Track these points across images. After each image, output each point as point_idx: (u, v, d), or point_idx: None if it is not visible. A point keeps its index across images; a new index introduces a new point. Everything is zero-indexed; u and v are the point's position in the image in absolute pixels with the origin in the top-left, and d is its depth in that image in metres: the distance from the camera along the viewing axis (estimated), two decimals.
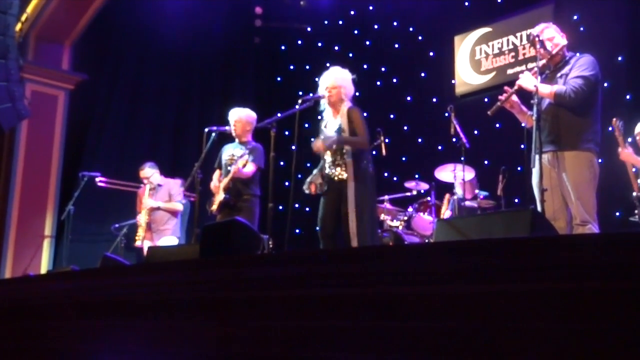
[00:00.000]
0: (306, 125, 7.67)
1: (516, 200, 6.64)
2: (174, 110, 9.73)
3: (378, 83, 9.06)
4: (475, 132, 7.36)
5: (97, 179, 7.41)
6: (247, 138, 5.78)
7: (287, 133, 8.23)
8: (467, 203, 6.44)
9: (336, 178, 4.58)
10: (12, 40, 6.87)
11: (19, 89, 7.31)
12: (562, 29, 4.41)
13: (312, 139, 4.72)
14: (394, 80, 9.03)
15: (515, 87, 4.32)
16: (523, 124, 4.45)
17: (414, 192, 7.10)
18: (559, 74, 4.25)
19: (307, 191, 4.69)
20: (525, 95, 4.41)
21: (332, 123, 4.73)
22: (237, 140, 5.81)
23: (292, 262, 2.15)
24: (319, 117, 4.94)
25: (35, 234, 8.03)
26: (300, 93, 9.46)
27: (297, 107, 4.65)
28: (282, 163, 7.62)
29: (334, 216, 4.56)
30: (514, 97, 4.36)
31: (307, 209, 8.82)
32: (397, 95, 8.86)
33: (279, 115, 4.83)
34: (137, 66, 9.36)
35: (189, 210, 7.70)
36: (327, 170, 4.65)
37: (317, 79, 4.89)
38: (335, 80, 4.73)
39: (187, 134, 9.57)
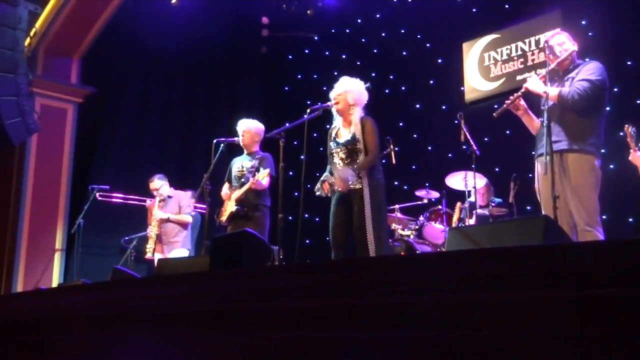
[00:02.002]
0: (315, 134, 7.69)
1: (528, 208, 6.60)
2: (182, 122, 9.78)
3: (387, 91, 9.06)
4: (486, 139, 7.33)
5: (98, 194, 7.41)
6: (255, 149, 5.80)
7: (295, 143, 8.27)
8: (479, 211, 6.41)
9: (346, 188, 4.57)
10: (22, 54, 6.93)
11: (29, 103, 7.38)
12: (572, 35, 4.40)
13: (327, 177, 4.69)
14: (403, 88, 9.03)
15: (523, 90, 4.32)
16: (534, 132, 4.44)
17: (425, 201, 7.07)
18: (566, 78, 4.24)
19: (318, 192, 4.68)
20: (533, 102, 4.40)
21: (343, 132, 4.73)
22: (245, 151, 5.83)
23: (303, 273, 2.14)
24: (328, 127, 4.94)
25: (46, 248, 8.07)
26: (309, 102, 9.63)
27: (305, 116, 4.65)
28: (291, 173, 7.62)
29: (344, 226, 4.55)
30: (521, 101, 4.36)
31: (317, 219, 8.81)
32: (406, 103, 8.85)
33: (287, 125, 4.84)
34: (145, 78, 9.42)
35: (199, 222, 7.72)
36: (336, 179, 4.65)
37: (325, 88, 4.91)
38: (341, 87, 4.73)
39: (196, 146, 9.61)
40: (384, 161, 6.57)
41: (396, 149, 6.36)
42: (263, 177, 5.32)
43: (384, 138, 6.22)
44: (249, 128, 5.80)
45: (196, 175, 7.70)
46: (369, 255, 4.25)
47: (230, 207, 5.59)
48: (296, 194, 8.48)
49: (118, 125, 9.12)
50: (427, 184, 7.27)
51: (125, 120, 9.18)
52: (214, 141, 5.60)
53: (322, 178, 4.70)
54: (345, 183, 4.46)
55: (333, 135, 4.80)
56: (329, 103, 4.75)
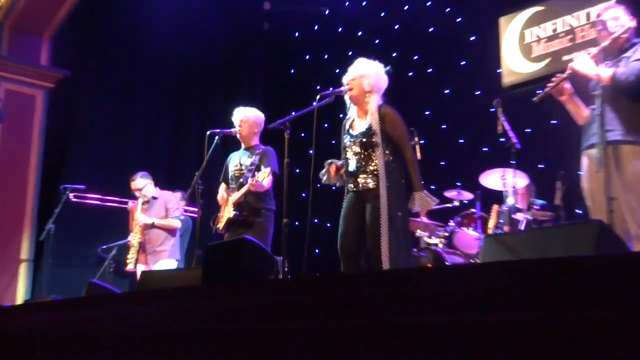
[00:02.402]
0: (325, 125, 7.69)
1: (578, 211, 6.57)
2: (170, 111, 9.82)
3: (410, 74, 9.04)
4: (528, 130, 7.30)
5: (71, 195, 7.42)
6: (254, 142, 5.81)
7: (303, 135, 8.26)
8: (520, 215, 6.38)
9: (361, 187, 4.56)
10: None
11: None
12: (629, 9, 4.36)
13: (337, 163, 4.70)
14: (429, 71, 9.00)
15: (568, 72, 4.29)
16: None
17: (456, 203, 7.04)
18: (620, 58, 4.21)
19: (324, 178, 4.69)
20: (581, 86, 4.37)
21: (358, 124, 4.72)
22: (243, 145, 5.84)
23: (312, 288, 2.14)
24: (341, 116, 4.94)
25: (10, 258, 8.09)
26: (318, 88, 9.56)
27: (314, 104, 4.64)
28: (297, 170, 7.61)
29: (356, 233, 4.53)
30: (566, 84, 4.33)
31: (329, 224, 8.80)
32: (433, 88, 8.83)
33: (293, 114, 4.83)
34: (127, 60, 9.45)
35: (190, 228, 7.73)
36: (350, 179, 4.64)
37: (337, 71, 4.90)
38: (356, 71, 4.72)
39: (186, 139, 9.64)
40: (414, 156, 6.58)
41: (421, 142, 6.33)
42: (263, 178, 5.31)
43: (407, 129, 6.23)
44: (246, 117, 5.81)
45: (186, 173, 7.73)
46: (383, 268, 4.23)
47: (228, 212, 5.60)
48: (303, 195, 8.48)
49: (95, 114, 9.15)
50: (458, 184, 7.24)
51: (104, 110, 9.21)
52: (208, 133, 5.60)
53: (327, 161, 4.71)
54: (425, 207, 4.62)
55: (347, 127, 4.79)
56: (342, 88, 4.72)
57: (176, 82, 9.91)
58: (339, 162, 4.65)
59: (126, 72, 9.44)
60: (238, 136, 5.80)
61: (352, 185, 4.62)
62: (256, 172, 5.40)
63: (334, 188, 4.79)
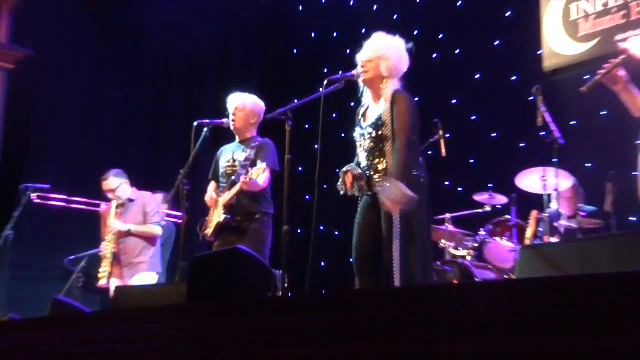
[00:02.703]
0: (334, 115, 7.68)
1: (632, 219, 6.56)
2: (150, 98, 9.82)
3: (434, 55, 9.04)
4: (573, 122, 7.29)
5: (33, 195, 7.41)
6: (250, 134, 5.82)
7: (307, 126, 8.24)
8: (563, 223, 6.37)
9: (373, 188, 4.55)
10: None
11: None
12: None
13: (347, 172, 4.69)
14: (457, 51, 9.00)
15: (622, 57, 4.28)
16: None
17: (487, 208, 7.05)
18: None
19: (341, 188, 4.66)
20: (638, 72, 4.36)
21: (371, 112, 4.71)
22: (237, 137, 5.85)
23: (315, 308, 2.13)
24: (352, 104, 4.94)
25: None
26: (325, 71, 9.59)
27: (321, 90, 4.64)
28: (300, 168, 7.61)
29: (373, 243, 4.52)
30: (620, 71, 4.32)
31: (337, 232, 8.80)
32: (460, 72, 8.82)
33: (295, 102, 4.82)
34: (99, 38, 9.42)
35: (173, 235, 7.73)
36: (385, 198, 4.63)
37: (348, 51, 4.89)
38: (374, 50, 4.70)
39: (169, 130, 9.66)
40: (429, 152, 6.55)
41: (447, 135, 6.32)
42: (258, 174, 5.30)
43: (429, 120, 6.21)
44: (243, 105, 5.81)
45: (169, 170, 7.70)
46: (394, 284, 4.24)
47: (217, 216, 5.61)
48: (307, 197, 8.47)
49: (62, 100, 9.15)
50: (490, 185, 7.24)
51: (71, 95, 9.20)
52: (195, 123, 5.62)
53: (345, 168, 4.68)
54: (399, 201, 4.39)
55: (359, 116, 4.79)
56: (354, 72, 4.71)
57: (157, 64, 9.89)
58: (357, 171, 4.63)
59: (98, 51, 9.42)
60: (231, 127, 5.80)
61: (365, 187, 4.62)
62: (250, 168, 5.39)
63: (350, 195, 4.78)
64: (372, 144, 4.58)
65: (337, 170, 4.76)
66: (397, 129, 4.49)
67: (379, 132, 4.54)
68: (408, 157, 4.45)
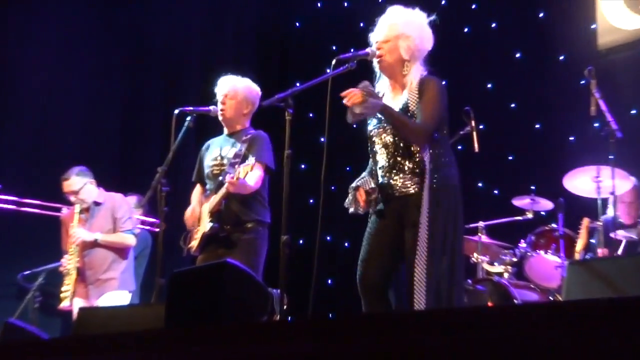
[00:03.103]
0: (344, 102, 7.66)
1: None
2: (122, 82, 9.80)
3: (466, 30, 9.04)
4: (633, 111, 7.29)
5: None
6: (242, 125, 5.83)
7: (311, 116, 8.22)
8: (621, 233, 6.37)
9: (396, 192, 4.55)
10: None
11: None
12: None
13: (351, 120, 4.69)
14: (493, 26, 9.00)
15: None
16: None
17: (529, 215, 7.04)
18: None
19: (351, 208, 4.67)
20: None
21: (392, 102, 4.69)
22: (226, 129, 5.87)
23: (321, 335, 2.14)
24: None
25: None
26: (334, 49, 9.57)
27: (328, 71, 4.63)
28: (303, 166, 7.62)
29: (385, 257, 4.55)
30: None
31: (346, 243, 8.81)
32: (497, 51, 8.83)
33: (297, 86, 4.82)
34: (62, 9, 9.42)
35: (149, 246, 7.74)
36: (380, 179, 4.63)
37: (362, 25, 4.88)
38: (391, 28, 4.69)
39: (145, 121, 9.66)
40: (459, 147, 6.55)
41: (480, 127, 6.33)
42: (246, 172, 5.24)
43: (460, 109, 6.21)
44: (235, 90, 5.81)
45: (144, 168, 7.71)
46: (419, 305, 4.24)
47: (203, 225, 5.62)
48: (311, 201, 8.46)
49: (15, 82, 9.14)
50: (532, 187, 7.25)
51: (26, 75, 9.18)
52: (176, 112, 5.60)
53: (354, 183, 4.67)
54: (361, 108, 4.46)
55: None
56: (367, 50, 4.71)
57: (131, 41, 9.88)
58: (369, 185, 4.66)
59: (61, 23, 9.41)
60: (220, 117, 5.81)
61: (382, 192, 4.62)
62: (238, 166, 5.34)
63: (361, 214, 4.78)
64: (395, 138, 4.60)
65: (348, 169, 4.78)
66: (422, 114, 4.52)
67: None
68: (408, 129, 4.53)
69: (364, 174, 4.77)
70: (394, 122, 4.52)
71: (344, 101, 4.39)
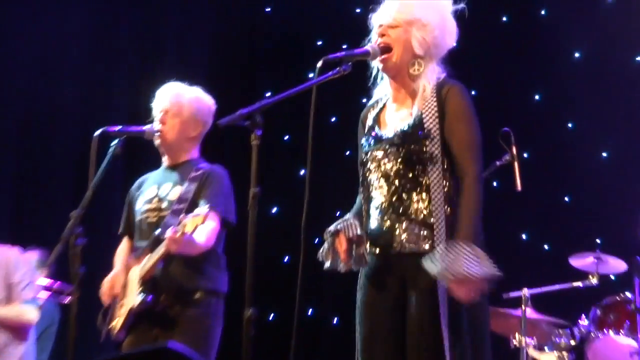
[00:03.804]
0: (332, 119, 7.70)
1: None
2: (19, 90, 9.82)
3: (503, 19, 9.10)
4: None
5: None
6: (189, 154, 5.86)
7: (287, 139, 8.20)
8: None
9: (398, 247, 4.54)
10: None
11: None
12: None
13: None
14: (542, 13, 9.07)
15: None
16: None
17: (593, 281, 7.05)
18: None
19: (326, 259, 4.63)
20: None
21: (395, 115, 4.69)
22: (166, 160, 5.88)
23: None
24: (365, 101, 4.94)
25: None
26: (319, 44, 9.59)
27: (312, 78, 4.65)
28: (275, 210, 7.63)
29: (394, 339, 4.54)
30: None
31: (335, 319, 8.80)
32: (548, 49, 8.89)
33: (267, 98, 4.81)
34: None
35: (56, 322, 7.71)
36: (375, 224, 4.62)
37: (358, 11, 4.86)
38: (401, 10, 4.66)
39: (52, 145, 9.64)
40: (494, 184, 6.55)
41: (524, 155, 6.34)
42: (196, 226, 5.19)
43: (494, 130, 6.23)
44: (178, 103, 5.80)
45: (50, 212, 7.70)
46: None
47: (130, 296, 5.61)
48: (286, 259, 8.44)
49: None
50: (597, 241, 7.26)
51: None
52: (97, 133, 5.55)
53: (333, 226, 4.62)
54: (472, 285, 4.36)
55: (370, 121, 4.80)
56: (367, 47, 4.72)
57: (35, 32, 9.95)
58: (354, 231, 4.57)
59: None
60: (157, 141, 5.81)
61: (377, 245, 4.62)
62: (185, 215, 5.25)
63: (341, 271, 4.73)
64: (400, 166, 4.58)
65: (339, 214, 4.76)
66: (456, 145, 4.49)
67: (420, 147, 4.53)
68: (481, 204, 4.44)
69: (349, 215, 4.72)
70: (477, 226, 4.40)
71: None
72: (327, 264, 4.61)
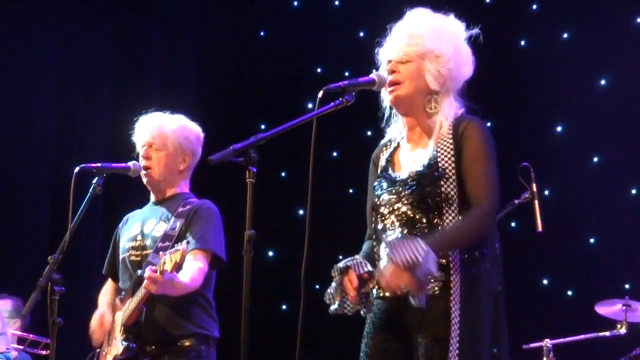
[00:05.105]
0: (334, 153, 7.72)
1: None
2: None
3: (522, 43, 9.12)
4: None
5: None
6: (177, 188, 5.85)
7: (284, 175, 8.20)
8: None
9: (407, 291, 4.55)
10: None
11: None
12: None
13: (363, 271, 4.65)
14: (564, 36, 9.09)
15: None
16: None
17: (621, 330, 7.05)
18: None
19: (333, 301, 4.61)
20: None
21: (409, 155, 4.69)
22: (152, 197, 5.90)
23: None
24: (369, 134, 4.93)
25: None
26: (319, 71, 9.58)
27: (311, 108, 4.66)
28: (271, 254, 7.64)
29: None
30: None
31: None
32: (569, 75, 8.90)
33: (262, 132, 4.82)
34: None
35: None
36: (383, 266, 4.61)
37: (361, 34, 4.86)
38: (416, 41, 4.63)
39: (26, 181, 9.66)
40: (512, 224, 6.55)
41: (546, 192, 6.35)
42: (175, 263, 5.11)
43: (514, 166, 6.24)
44: (162, 135, 5.78)
45: (25, 255, 7.70)
46: None
47: (115, 343, 5.61)
48: (284, 307, 8.42)
49: None
50: (626, 287, 7.26)
51: None
52: (76, 170, 5.55)
53: (342, 263, 4.60)
54: (398, 277, 4.38)
55: (383, 161, 4.82)
56: (373, 75, 4.72)
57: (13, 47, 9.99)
58: (365, 268, 4.54)
59: None
60: (144, 178, 5.83)
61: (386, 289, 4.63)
62: (163, 254, 5.20)
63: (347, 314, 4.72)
64: (414, 210, 4.58)
65: (341, 258, 4.74)
66: (472, 184, 4.50)
67: (435, 189, 4.54)
68: (474, 236, 4.46)
69: (358, 256, 4.64)
70: (451, 245, 4.45)
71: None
72: (334, 307, 4.58)
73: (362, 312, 4.59)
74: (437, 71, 4.58)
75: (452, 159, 4.51)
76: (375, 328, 4.62)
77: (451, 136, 4.54)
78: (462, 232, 4.44)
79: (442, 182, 4.47)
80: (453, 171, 4.48)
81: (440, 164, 4.49)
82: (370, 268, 4.49)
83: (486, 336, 4.41)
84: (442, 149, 4.52)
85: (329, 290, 4.58)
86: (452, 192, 4.46)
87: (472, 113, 4.71)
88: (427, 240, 4.26)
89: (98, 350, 5.73)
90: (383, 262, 4.55)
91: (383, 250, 4.60)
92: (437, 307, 4.40)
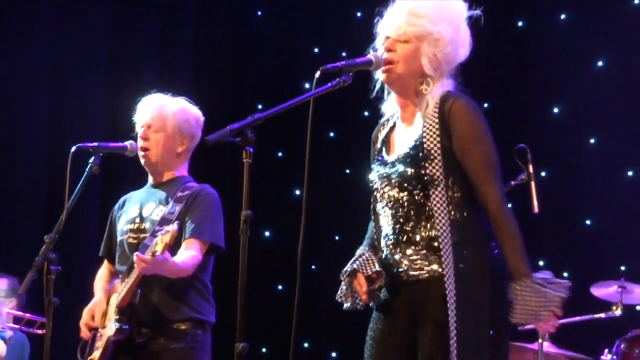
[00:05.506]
0: (331, 134, 7.73)
1: None
2: None
3: (519, 23, 9.12)
4: None
5: None
6: (176, 171, 5.86)
7: (281, 155, 8.21)
8: None
9: (405, 276, 4.56)
10: None
11: None
12: None
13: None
14: (561, 17, 9.08)
15: None
16: None
17: (616, 312, 7.06)
18: None
19: (345, 301, 4.61)
20: None
21: (402, 135, 4.70)
22: (150, 179, 5.91)
23: None
24: (366, 114, 4.93)
25: None
26: (316, 51, 9.57)
27: (308, 88, 4.67)
28: (268, 234, 7.65)
29: None
30: None
31: (334, 354, 8.81)
32: (567, 56, 8.90)
33: (260, 112, 4.83)
34: None
35: (28, 357, 7.70)
36: (384, 254, 4.61)
37: (358, 14, 4.83)
38: (416, 21, 4.58)
39: (21, 161, 9.65)
40: (509, 206, 6.56)
41: (542, 173, 6.36)
42: (165, 245, 5.12)
43: (510, 147, 6.26)
44: (162, 116, 5.80)
45: (19, 236, 7.71)
46: None
47: (110, 324, 5.58)
48: (280, 287, 8.43)
49: None
50: (622, 268, 7.27)
51: None
52: (73, 149, 5.54)
53: (349, 265, 4.60)
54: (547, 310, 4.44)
55: (379, 142, 4.82)
56: (370, 56, 4.70)
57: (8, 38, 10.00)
58: (373, 268, 4.58)
59: None
60: (142, 159, 5.83)
61: (388, 273, 4.60)
62: (162, 237, 5.17)
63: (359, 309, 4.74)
64: (402, 192, 4.58)
65: (338, 238, 4.76)
66: (471, 168, 4.49)
67: (420, 171, 4.51)
68: (516, 227, 4.48)
69: (362, 248, 4.72)
70: (520, 251, 4.46)
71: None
72: (347, 305, 4.64)
73: (371, 305, 4.63)
74: (434, 55, 4.54)
75: (438, 138, 4.47)
76: (382, 314, 4.64)
77: (437, 115, 4.50)
78: (511, 234, 4.48)
79: (427, 164, 4.43)
80: (439, 152, 4.44)
81: (425, 145, 4.46)
82: (377, 267, 4.54)
83: (484, 317, 4.40)
84: (428, 128, 4.49)
85: (339, 292, 4.63)
86: (438, 173, 4.43)
87: (461, 89, 4.67)
88: (517, 279, 4.36)
89: (94, 332, 5.70)
90: (381, 250, 4.60)
91: (381, 238, 4.63)
92: (435, 292, 4.40)
